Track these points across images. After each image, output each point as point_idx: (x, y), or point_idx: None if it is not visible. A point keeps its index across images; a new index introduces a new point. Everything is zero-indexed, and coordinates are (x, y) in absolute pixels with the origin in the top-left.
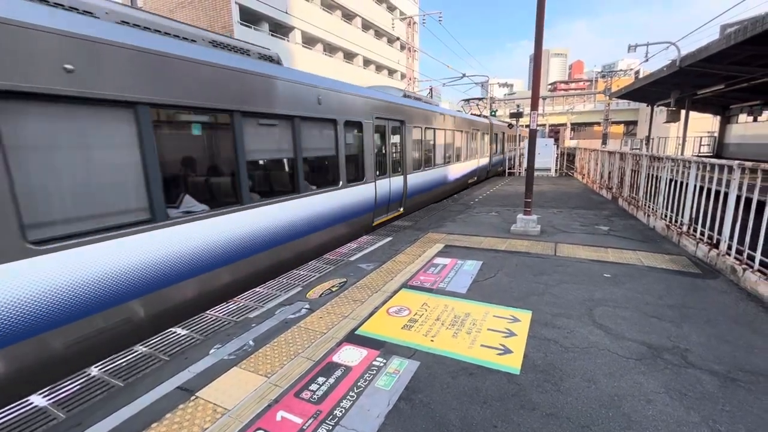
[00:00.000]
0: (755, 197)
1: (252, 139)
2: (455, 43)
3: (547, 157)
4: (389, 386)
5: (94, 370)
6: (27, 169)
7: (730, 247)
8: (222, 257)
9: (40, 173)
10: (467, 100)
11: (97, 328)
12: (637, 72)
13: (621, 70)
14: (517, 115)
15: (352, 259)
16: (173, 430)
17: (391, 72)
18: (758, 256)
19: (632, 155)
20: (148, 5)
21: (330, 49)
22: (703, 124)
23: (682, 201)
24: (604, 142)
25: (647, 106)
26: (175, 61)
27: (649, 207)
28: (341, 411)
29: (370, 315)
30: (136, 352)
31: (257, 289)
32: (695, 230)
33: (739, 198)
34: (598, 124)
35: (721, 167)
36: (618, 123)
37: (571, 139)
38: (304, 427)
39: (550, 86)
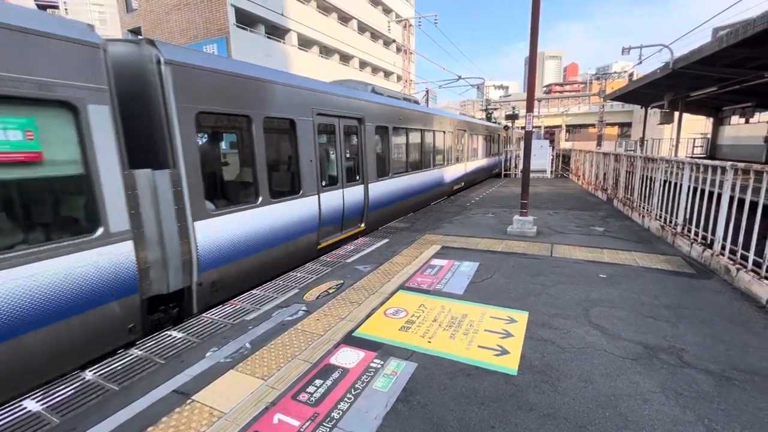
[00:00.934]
0: (748, 198)
1: None
2: (451, 46)
3: (542, 158)
4: (387, 388)
5: (88, 374)
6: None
7: (723, 248)
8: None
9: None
10: (509, 116)
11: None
12: (631, 74)
13: (615, 73)
14: (513, 117)
15: (349, 260)
16: None
17: (388, 74)
18: (751, 256)
19: (627, 157)
20: (143, 7)
21: (326, 51)
22: (696, 125)
23: (677, 202)
24: (598, 144)
25: (641, 108)
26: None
27: (643, 208)
28: (339, 413)
29: (368, 317)
30: (131, 355)
31: (254, 292)
32: (689, 231)
33: (732, 198)
34: (593, 125)
35: (715, 168)
36: (612, 125)
37: (566, 140)
38: (302, 430)
39: (545, 88)
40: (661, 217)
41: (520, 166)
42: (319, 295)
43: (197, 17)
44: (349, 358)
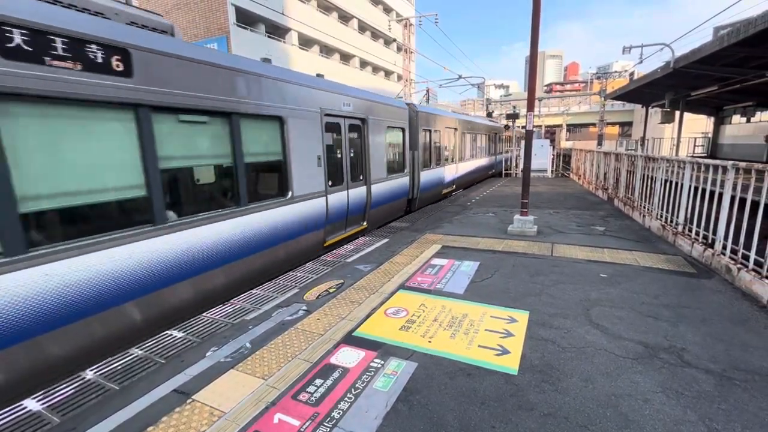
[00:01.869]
0: (749, 197)
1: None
2: (452, 45)
3: (543, 158)
4: (387, 388)
5: (89, 374)
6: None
7: (724, 247)
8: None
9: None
10: (509, 116)
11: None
12: (632, 73)
13: (616, 72)
14: (513, 116)
15: (350, 260)
16: None
17: (388, 73)
18: (752, 255)
19: (627, 156)
20: (144, 6)
21: (327, 50)
22: (697, 125)
23: (677, 201)
24: (599, 143)
25: (642, 107)
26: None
27: (644, 207)
28: (339, 413)
29: (368, 316)
30: (131, 354)
31: (254, 291)
32: (690, 230)
33: (733, 198)
34: (594, 125)
35: (716, 168)
36: (613, 124)
37: (566, 140)
38: (302, 429)
39: (545, 88)
40: (662, 216)
41: (521, 166)
42: (320, 295)
43: (197, 16)
44: (349, 357)
